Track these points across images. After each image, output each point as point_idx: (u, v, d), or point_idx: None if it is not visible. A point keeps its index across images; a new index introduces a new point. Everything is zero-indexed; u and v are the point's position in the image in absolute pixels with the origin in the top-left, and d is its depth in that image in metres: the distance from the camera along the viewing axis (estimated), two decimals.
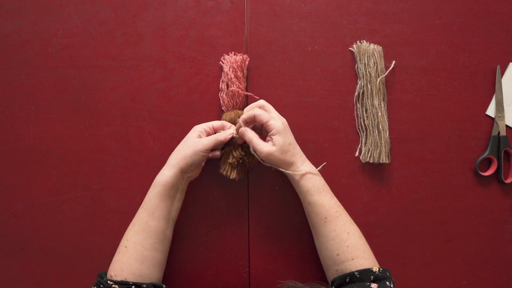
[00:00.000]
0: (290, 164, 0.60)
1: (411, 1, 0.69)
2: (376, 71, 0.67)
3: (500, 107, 0.69)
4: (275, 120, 0.58)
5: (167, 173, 0.59)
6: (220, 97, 0.68)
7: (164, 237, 0.60)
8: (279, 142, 0.58)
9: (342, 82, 0.69)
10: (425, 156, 0.70)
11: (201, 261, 0.70)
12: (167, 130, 0.70)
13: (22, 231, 0.71)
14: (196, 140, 0.60)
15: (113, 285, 0.54)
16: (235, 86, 0.66)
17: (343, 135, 0.69)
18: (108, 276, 0.57)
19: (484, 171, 0.70)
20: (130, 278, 0.55)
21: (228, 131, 0.62)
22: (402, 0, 0.69)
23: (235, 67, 0.66)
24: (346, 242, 0.58)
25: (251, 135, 0.60)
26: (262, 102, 0.62)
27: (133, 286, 0.54)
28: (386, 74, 0.65)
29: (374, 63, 0.66)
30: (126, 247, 0.57)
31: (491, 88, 0.70)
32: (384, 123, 0.67)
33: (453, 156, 0.70)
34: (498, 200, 0.70)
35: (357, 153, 0.69)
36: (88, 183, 0.70)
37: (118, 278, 0.55)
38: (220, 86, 0.68)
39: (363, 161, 0.68)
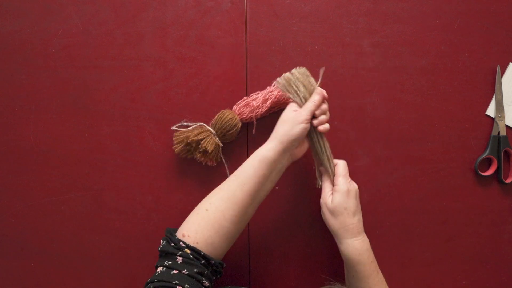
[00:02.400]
0: (345, 229, 0.58)
1: (411, 1, 0.69)
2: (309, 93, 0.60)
3: (500, 107, 0.69)
4: (343, 179, 0.60)
5: (269, 146, 0.57)
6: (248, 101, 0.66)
7: (245, 213, 0.57)
8: (335, 201, 0.59)
9: (342, 82, 0.69)
10: (425, 156, 0.70)
11: None
12: (167, 130, 0.70)
13: (22, 231, 0.71)
14: (294, 113, 0.58)
15: (185, 249, 0.52)
16: (263, 108, 0.65)
17: (343, 135, 0.69)
18: (180, 235, 0.54)
19: (484, 171, 0.70)
20: (202, 244, 0.53)
21: (316, 97, 0.59)
22: (402, 0, 0.69)
23: (278, 99, 0.65)
24: None
25: (325, 179, 0.62)
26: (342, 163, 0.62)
27: (203, 261, 0.52)
28: (319, 83, 0.60)
29: (303, 86, 0.59)
30: (207, 210, 0.55)
31: (491, 88, 0.70)
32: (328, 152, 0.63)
33: (453, 156, 0.70)
34: (498, 200, 0.70)
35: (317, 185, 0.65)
36: (88, 183, 0.70)
37: (191, 240, 0.53)
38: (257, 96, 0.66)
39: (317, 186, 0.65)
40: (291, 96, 0.59)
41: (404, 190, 0.70)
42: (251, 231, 0.70)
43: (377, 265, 0.60)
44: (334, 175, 0.61)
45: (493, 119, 0.70)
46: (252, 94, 0.67)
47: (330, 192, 0.61)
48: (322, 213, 0.62)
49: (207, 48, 0.69)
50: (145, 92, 0.70)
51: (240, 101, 0.66)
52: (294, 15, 0.69)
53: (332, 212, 0.59)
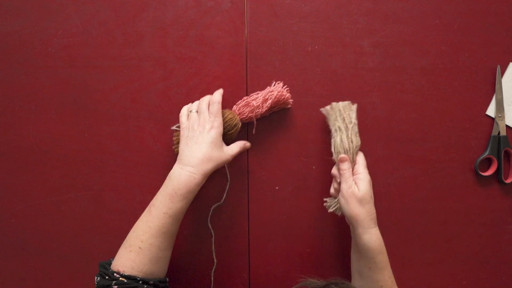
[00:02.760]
0: (362, 217, 0.58)
1: (411, 1, 0.69)
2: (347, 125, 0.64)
3: (500, 107, 0.69)
4: (365, 169, 0.61)
5: (197, 181, 0.58)
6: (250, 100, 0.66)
7: (175, 236, 0.60)
8: (362, 188, 0.58)
9: (342, 82, 0.69)
10: (425, 156, 0.70)
11: (201, 261, 0.70)
12: (167, 130, 0.70)
13: (22, 231, 0.71)
14: (225, 149, 0.61)
15: (120, 278, 0.53)
16: (263, 108, 0.65)
17: None
18: (115, 269, 0.55)
19: (484, 171, 0.70)
20: (140, 275, 0.55)
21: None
22: (402, 0, 0.69)
23: (278, 99, 0.66)
24: None
25: (345, 167, 0.61)
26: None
27: (140, 281, 0.54)
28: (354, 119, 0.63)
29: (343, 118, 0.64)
30: (140, 248, 0.56)
31: (491, 88, 0.70)
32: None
33: (453, 156, 0.70)
34: (498, 200, 0.70)
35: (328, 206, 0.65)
36: (88, 183, 0.70)
37: (127, 274, 0.54)
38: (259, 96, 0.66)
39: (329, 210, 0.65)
40: (329, 123, 0.65)
41: (404, 190, 0.70)
42: (251, 231, 0.70)
43: None
44: (355, 164, 0.62)
45: (493, 119, 0.70)
46: (252, 94, 0.67)
47: (352, 181, 0.60)
48: (343, 205, 0.59)
49: (207, 48, 0.69)
50: (145, 92, 0.70)
51: (240, 101, 0.66)
52: (294, 15, 0.69)
53: (360, 201, 0.58)
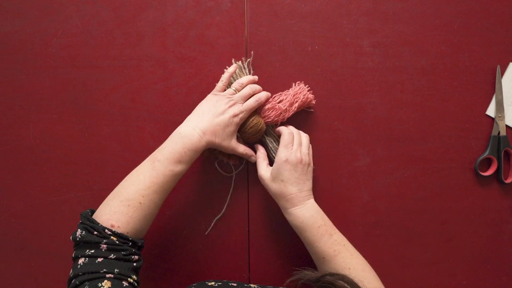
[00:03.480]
0: (280, 197, 0.61)
1: (411, 1, 0.69)
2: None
3: (500, 107, 0.69)
4: (283, 149, 0.61)
5: (203, 146, 0.58)
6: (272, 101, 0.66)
7: None
8: (273, 169, 0.61)
9: (342, 82, 0.69)
10: (425, 156, 0.70)
11: (201, 261, 0.70)
12: (167, 130, 0.69)
13: (22, 231, 0.71)
14: (233, 141, 0.61)
15: (111, 237, 0.49)
16: (285, 113, 0.65)
17: (343, 135, 0.69)
18: (107, 225, 0.50)
19: (484, 171, 0.70)
20: (131, 232, 0.52)
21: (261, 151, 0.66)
22: (402, 0, 0.69)
23: (303, 102, 0.66)
24: None
25: (259, 154, 0.65)
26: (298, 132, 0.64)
27: (130, 244, 0.51)
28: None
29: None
30: (140, 203, 0.53)
31: (491, 88, 0.70)
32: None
33: (453, 156, 0.70)
34: (498, 200, 0.70)
35: None
36: (88, 183, 0.70)
37: (121, 230, 0.51)
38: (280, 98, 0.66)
39: None
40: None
41: (404, 190, 0.70)
42: (251, 231, 0.70)
43: (330, 228, 0.60)
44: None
45: (493, 119, 0.70)
46: (275, 96, 0.66)
47: (266, 164, 0.64)
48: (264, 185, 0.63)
49: (207, 48, 0.69)
50: (145, 92, 0.70)
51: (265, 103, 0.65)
52: (294, 15, 0.69)
53: (272, 181, 0.61)
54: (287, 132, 0.62)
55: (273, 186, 0.61)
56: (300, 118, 0.69)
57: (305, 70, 0.69)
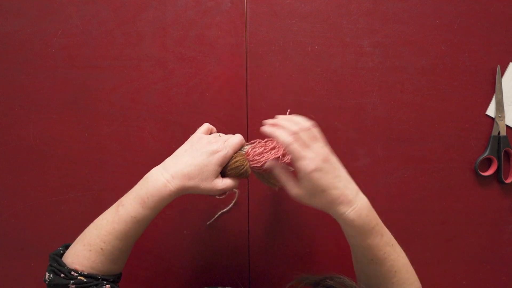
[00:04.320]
0: (329, 206, 0.50)
1: (411, 1, 0.69)
2: None
3: (500, 107, 0.69)
4: (307, 163, 0.48)
5: (171, 193, 0.52)
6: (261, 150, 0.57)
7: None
8: (307, 186, 0.49)
9: (342, 82, 0.69)
10: (425, 156, 0.70)
11: (201, 261, 0.70)
12: (167, 130, 0.70)
13: (22, 231, 0.71)
14: (215, 180, 0.53)
15: (78, 277, 0.49)
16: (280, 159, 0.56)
17: (343, 135, 0.69)
18: (72, 267, 0.51)
19: (484, 171, 0.70)
20: (99, 273, 0.52)
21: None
22: (402, 0, 0.69)
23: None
24: (392, 280, 0.53)
25: (280, 171, 0.53)
26: (296, 126, 0.51)
27: (100, 279, 0.51)
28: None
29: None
30: (102, 249, 0.52)
31: (491, 88, 0.70)
32: None
33: (453, 156, 0.70)
34: (498, 200, 0.70)
35: None
36: (88, 183, 0.70)
37: (86, 271, 0.51)
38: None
39: None
40: None
41: (404, 190, 0.70)
42: (251, 231, 0.70)
43: (381, 226, 0.54)
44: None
45: (493, 119, 0.70)
46: (267, 140, 0.58)
47: (294, 180, 0.52)
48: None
49: (207, 48, 0.69)
50: (145, 92, 0.70)
51: (254, 144, 0.58)
52: (294, 15, 0.69)
53: (312, 197, 0.51)
54: (288, 140, 0.50)
55: (317, 201, 0.51)
56: None
57: (305, 70, 0.69)
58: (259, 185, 0.70)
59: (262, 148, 0.56)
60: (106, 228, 0.53)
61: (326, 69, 0.69)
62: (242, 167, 0.55)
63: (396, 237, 0.70)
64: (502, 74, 0.69)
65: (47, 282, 0.50)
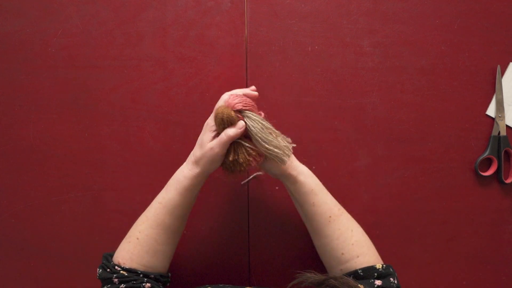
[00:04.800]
0: (289, 172, 0.56)
1: (411, 1, 0.69)
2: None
3: (500, 107, 0.69)
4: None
5: (190, 173, 0.56)
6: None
7: (178, 232, 0.59)
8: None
9: (342, 82, 0.69)
10: (425, 156, 0.70)
11: (201, 261, 0.70)
12: (167, 130, 0.70)
13: (22, 231, 0.71)
14: (209, 145, 0.54)
15: (121, 271, 0.53)
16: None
17: (343, 135, 0.69)
18: (115, 262, 0.55)
19: (484, 171, 0.70)
20: (139, 266, 0.55)
21: (239, 124, 0.53)
22: (402, 0, 0.69)
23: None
24: (351, 240, 0.57)
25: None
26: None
27: (141, 275, 0.54)
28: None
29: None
30: (138, 239, 0.56)
31: (491, 88, 0.70)
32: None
33: (453, 156, 0.70)
34: (498, 200, 0.70)
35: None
36: (88, 183, 0.70)
37: (127, 265, 0.55)
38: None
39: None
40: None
41: (404, 190, 0.70)
42: (251, 231, 0.70)
43: (323, 186, 0.60)
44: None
45: (493, 119, 0.70)
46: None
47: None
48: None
49: (207, 48, 0.69)
50: (145, 92, 0.70)
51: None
52: (294, 15, 0.69)
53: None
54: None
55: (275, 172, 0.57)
56: (300, 118, 0.69)
57: (305, 70, 0.69)
58: (259, 185, 0.70)
59: (231, 98, 0.54)
60: (141, 218, 0.58)
61: (326, 69, 0.69)
62: (221, 114, 0.53)
63: (396, 237, 0.70)
64: (502, 74, 0.69)
65: (98, 276, 0.55)
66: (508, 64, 0.69)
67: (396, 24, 0.69)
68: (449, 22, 0.69)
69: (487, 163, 0.71)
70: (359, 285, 0.45)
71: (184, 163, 0.58)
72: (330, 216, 0.57)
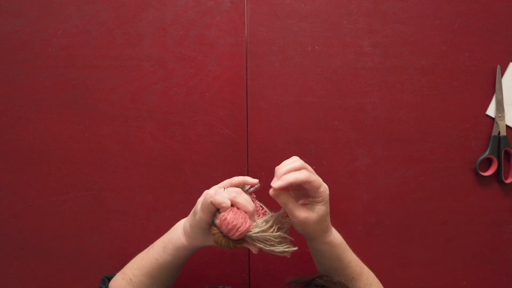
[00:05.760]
0: (325, 232, 0.52)
1: (411, 1, 0.69)
2: None
3: (500, 107, 0.69)
4: (326, 187, 0.51)
5: (183, 242, 0.53)
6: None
7: (174, 280, 0.59)
8: (321, 212, 0.50)
9: (342, 82, 0.69)
10: (425, 156, 0.70)
11: (201, 261, 0.70)
12: (167, 130, 0.70)
13: (22, 231, 0.71)
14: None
15: None
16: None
17: (343, 135, 0.69)
18: None
19: (484, 171, 0.70)
20: None
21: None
22: (402, 0, 0.69)
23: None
24: None
25: (287, 198, 0.50)
26: (298, 162, 0.50)
27: None
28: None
29: None
30: (131, 280, 0.56)
31: (491, 88, 0.70)
32: None
33: (453, 156, 0.70)
34: (498, 200, 0.70)
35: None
36: (88, 183, 0.70)
37: None
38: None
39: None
40: None
41: (404, 190, 0.70)
42: None
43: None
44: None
45: (493, 119, 0.70)
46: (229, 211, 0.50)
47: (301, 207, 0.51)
48: (302, 230, 0.52)
49: (207, 48, 0.69)
50: (145, 92, 0.70)
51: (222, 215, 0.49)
52: (294, 15, 0.69)
53: (319, 223, 0.51)
54: (306, 175, 0.48)
55: (321, 223, 0.51)
56: (300, 118, 0.69)
57: (305, 70, 0.69)
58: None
59: (232, 219, 0.48)
60: (137, 263, 0.57)
61: (326, 69, 0.69)
62: (220, 245, 0.49)
63: (396, 237, 0.70)
64: (502, 74, 0.69)
65: None
66: (508, 64, 0.69)
67: (396, 24, 0.69)
68: (449, 22, 0.69)
69: (487, 163, 0.71)
70: (343, 282, 0.44)
71: (184, 225, 0.53)
72: (352, 277, 0.55)
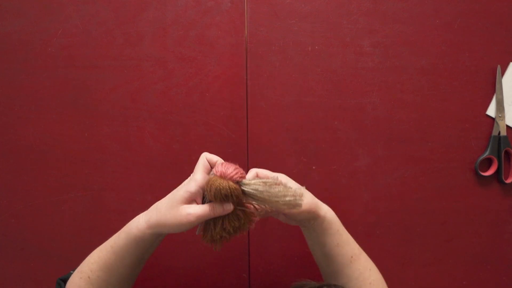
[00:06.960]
0: (318, 208, 0.53)
1: (411, 1, 0.69)
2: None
3: (500, 107, 0.69)
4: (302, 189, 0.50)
5: (145, 231, 0.49)
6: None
7: (130, 279, 0.55)
8: (307, 201, 0.51)
9: (342, 82, 0.69)
10: (425, 156, 0.70)
11: (201, 261, 0.70)
12: (167, 130, 0.70)
13: (22, 231, 0.71)
14: (184, 208, 0.47)
15: None
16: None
17: (343, 135, 0.69)
18: None
19: (484, 171, 0.70)
20: None
21: (226, 206, 0.48)
22: (402, 0, 0.69)
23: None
24: (369, 279, 0.56)
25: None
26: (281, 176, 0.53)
27: None
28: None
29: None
30: (89, 277, 0.52)
31: (491, 88, 0.70)
32: None
33: (453, 156, 0.70)
34: (498, 200, 0.70)
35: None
36: (88, 183, 0.70)
37: None
38: None
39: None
40: None
41: (404, 190, 0.70)
42: (251, 231, 0.70)
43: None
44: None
45: (493, 119, 0.70)
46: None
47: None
48: (296, 220, 0.54)
49: (207, 48, 0.69)
50: (145, 92, 0.70)
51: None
52: (294, 15, 0.69)
53: (310, 206, 0.52)
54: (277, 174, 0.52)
55: (311, 205, 0.53)
56: (300, 118, 0.69)
57: (305, 70, 0.69)
58: None
59: (226, 163, 0.49)
60: (93, 256, 0.54)
61: (326, 69, 0.69)
62: (219, 193, 0.46)
63: (396, 237, 0.70)
64: (502, 74, 0.69)
65: None
66: (508, 64, 0.69)
67: (396, 24, 0.69)
68: (449, 22, 0.69)
69: (487, 163, 0.71)
70: None
71: (142, 214, 0.52)
72: (352, 257, 0.55)
